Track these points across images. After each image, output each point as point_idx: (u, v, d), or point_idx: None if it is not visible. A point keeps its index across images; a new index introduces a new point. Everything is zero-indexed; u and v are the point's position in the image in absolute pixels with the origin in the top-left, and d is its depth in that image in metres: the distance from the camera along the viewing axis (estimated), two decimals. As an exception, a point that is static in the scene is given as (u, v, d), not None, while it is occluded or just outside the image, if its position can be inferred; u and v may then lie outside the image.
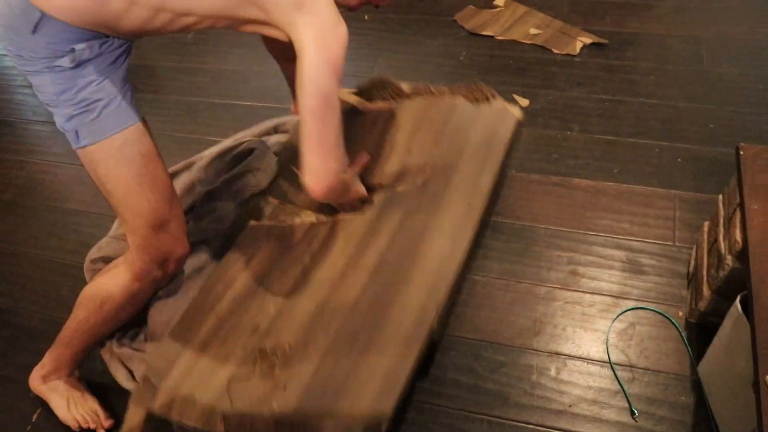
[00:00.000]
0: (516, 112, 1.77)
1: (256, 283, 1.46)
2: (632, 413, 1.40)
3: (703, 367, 1.42)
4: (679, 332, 1.53)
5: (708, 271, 1.45)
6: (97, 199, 2.03)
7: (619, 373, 1.47)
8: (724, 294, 1.38)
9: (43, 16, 1.11)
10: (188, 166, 1.93)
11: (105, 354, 1.55)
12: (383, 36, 2.70)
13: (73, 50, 1.16)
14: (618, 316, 1.58)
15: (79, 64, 1.18)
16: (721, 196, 1.51)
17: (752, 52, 2.37)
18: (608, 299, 1.62)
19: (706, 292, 1.43)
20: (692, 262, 1.62)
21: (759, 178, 1.31)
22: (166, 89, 2.55)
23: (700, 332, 1.51)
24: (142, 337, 1.55)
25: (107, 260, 1.64)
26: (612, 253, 1.72)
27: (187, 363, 1.33)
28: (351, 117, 1.79)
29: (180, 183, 1.83)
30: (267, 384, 1.26)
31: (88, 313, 1.39)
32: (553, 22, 2.63)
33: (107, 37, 1.20)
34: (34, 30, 1.13)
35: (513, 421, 1.42)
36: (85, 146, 1.24)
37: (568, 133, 2.11)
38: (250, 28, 1.26)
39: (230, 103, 2.38)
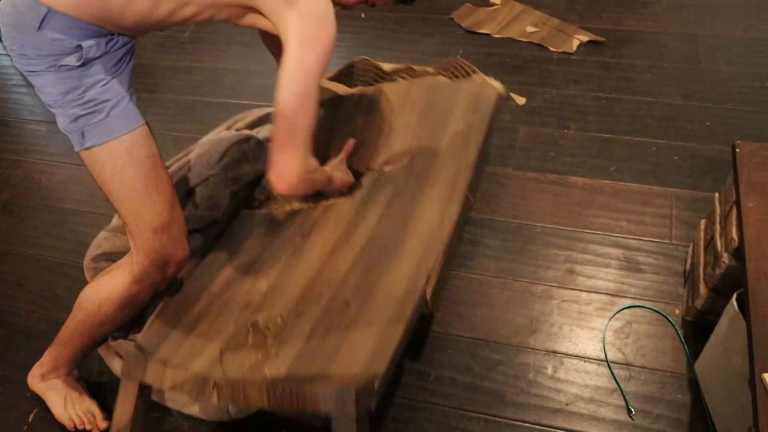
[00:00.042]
0: (497, 86, 1.78)
1: (248, 264, 1.48)
2: (629, 411, 1.40)
3: (699, 365, 1.42)
4: (676, 330, 1.53)
5: (704, 269, 1.46)
6: (93, 199, 2.03)
7: (615, 372, 1.47)
8: (720, 292, 1.38)
9: (50, 11, 1.11)
10: (187, 154, 1.93)
11: (101, 349, 1.55)
12: (380, 34, 2.69)
13: (80, 47, 1.16)
14: (615, 314, 1.58)
15: (85, 63, 1.18)
16: (717, 194, 1.51)
17: (749, 49, 2.37)
18: (605, 297, 1.62)
19: (702, 290, 1.44)
20: (689, 260, 1.62)
21: (755, 175, 1.31)
22: (163, 88, 2.54)
23: (696, 330, 1.51)
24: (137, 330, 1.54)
25: (107, 257, 1.64)
26: (609, 252, 1.72)
27: (178, 337, 1.33)
28: (334, 103, 1.81)
29: (175, 172, 1.83)
30: (259, 353, 1.26)
31: (86, 314, 1.38)
32: (550, 20, 2.63)
33: (112, 35, 1.20)
34: (40, 26, 1.13)
35: (510, 419, 1.42)
36: (90, 147, 1.23)
37: (565, 131, 2.11)
38: (248, 20, 1.26)
39: (227, 101, 2.38)
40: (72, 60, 1.16)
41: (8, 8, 1.13)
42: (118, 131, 1.23)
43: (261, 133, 1.93)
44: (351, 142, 1.67)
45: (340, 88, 1.85)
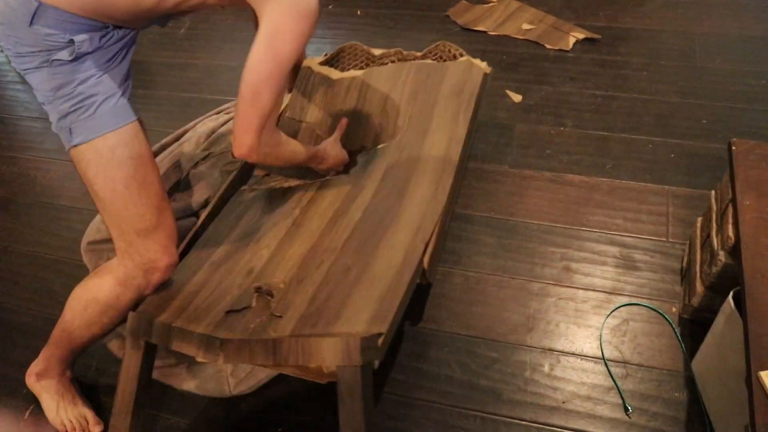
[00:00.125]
0: (483, 66, 1.81)
1: (249, 235, 1.50)
2: (626, 409, 1.40)
3: (696, 363, 1.43)
4: (673, 328, 1.53)
5: (701, 266, 1.46)
6: (89, 196, 2.00)
7: (612, 370, 1.47)
8: (717, 290, 1.38)
9: (40, 6, 1.10)
10: (178, 138, 1.94)
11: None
12: (376, 32, 2.69)
13: (72, 42, 1.15)
14: (611, 312, 1.58)
15: (78, 57, 1.17)
16: (713, 192, 1.51)
17: (745, 47, 2.38)
18: (602, 295, 1.62)
19: (699, 287, 1.44)
20: (685, 258, 1.62)
21: (751, 173, 1.32)
22: (158, 85, 2.54)
23: (693, 328, 1.52)
24: None
25: (107, 242, 1.64)
26: (605, 249, 1.72)
27: (182, 301, 1.34)
28: (326, 86, 1.85)
29: (167, 159, 1.84)
30: (263, 316, 1.29)
31: (73, 315, 1.37)
32: (546, 18, 2.63)
33: (106, 28, 1.19)
34: (32, 21, 1.12)
35: (506, 417, 1.42)
36: (77, 145, 1.22)
37: (561, 128, 2.11)
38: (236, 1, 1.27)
39: (223, 98, 2.36)
40: (64, 55, 1.16)
41: (1, 6, 1.13)
42: (103, 129, 1.21)
43: None
44: (344, 121, 1.70)
45: (332, 72, 1.89)
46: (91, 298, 1.34)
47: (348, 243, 1.42)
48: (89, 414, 1.47)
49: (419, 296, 1.39)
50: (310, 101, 1.83)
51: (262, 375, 1.48)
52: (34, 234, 1.98)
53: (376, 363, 1.18)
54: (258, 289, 1.35)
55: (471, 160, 2.00)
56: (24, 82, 1.23)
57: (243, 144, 1.26)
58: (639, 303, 1.59)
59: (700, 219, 1.58)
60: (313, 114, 1.80)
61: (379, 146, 1.68)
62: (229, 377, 1.45)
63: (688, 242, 1.64)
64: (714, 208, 1.47)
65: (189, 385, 1.46)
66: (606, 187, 1.89)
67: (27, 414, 1.52)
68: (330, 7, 2.87)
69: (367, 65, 1.95)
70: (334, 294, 1.30)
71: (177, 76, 2.57)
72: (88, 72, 1.19)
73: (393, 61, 1.93)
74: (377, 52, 1.96)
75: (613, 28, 2.54)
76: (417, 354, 1.55)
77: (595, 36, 2.49)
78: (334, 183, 1.61)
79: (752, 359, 1.03)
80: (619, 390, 1.44)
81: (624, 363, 1.48)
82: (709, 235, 1.44)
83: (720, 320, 1.28)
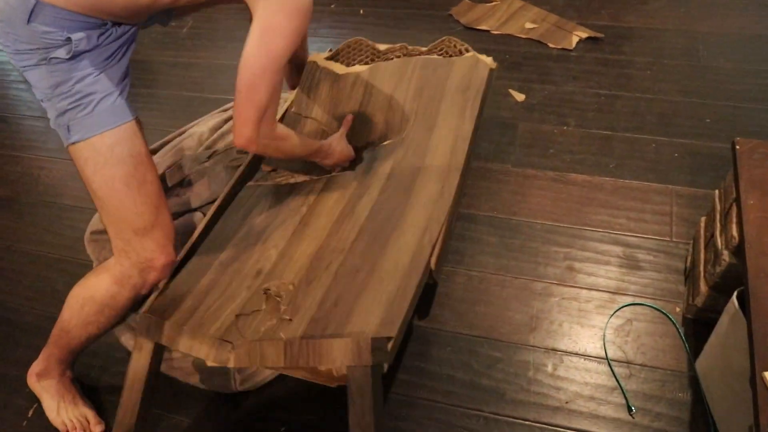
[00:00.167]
0: (488, 62, 1.81)
1: (257, 234, 1.50)
2: (629, 410, 1.40)
3: (700, 363, 1.42)
4: (676, 328, 1.53)
5: (705, 266, 1.45)
6: (91, 195, 2.02)
7: (616, 370, 1.47)
8: (721, 290, 1.38)
9: (37, 3, 1.10)
10: (180, 134, 1.95)
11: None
12: (378, 31, 2.68)
13: (69, 40, 1.15)
14: (615, 312, 1.58)
15: (75, 56, 1.17)
16: (717, 191, 1.51)
17: (749, 46, 2.37)
18: (605, 295, 1.61)
19: (703, 287, 1.43)
20: (689, 258, 1.62)
21: (755, 172, 1.31)
22: (161, 84, 2.54)
23: (697, 328, 1.51)
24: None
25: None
26: (609, 249, 1.72)
27: (192, 302, 1.34)
28: (331, 81, 1.85)
29: (169, 154, 1.84)
30: (273, 318, 1.29)
31: (71, 314, 1.36)
32: (549, 17, 2.63)
33: (105, 25, 1.19)
34: (29, 19, 1.12)
35: (509, 417, 1.42)
36: (75, 142, 1.22)
37: (564, 128, 2.11)
38: None
39: (225, 98, 2.36)
40: (62, 53, 1.16)
41: (0, 3, 1.13)
42: (101, 127, 1.21)
43: None
44: (349, 117, 1.70)
45: (337, 67, 1.89)
46: (88, 296, 1.34)
47: (356, 243, 1.42)
48: (90, 414, 1.47)
49: (424, 295, 1.39)
50: (316, 96, 1.83)
51: (268, 372, 1.48)
52: (37, 233, 1.98)
53: (385, 366, 1.19)
54: (267, 291, 1.35)
55: (474, 160, 1.99)
56: (27, 81, 1.23)
57: (242, 135, 1.27)
58: (642, 303, 1.59)
59: (703, 218, 1.57)
60: (318, 109, 1.80)
61: (385, 143, 1.68)
62: (235, 373, 1.45)
63: (691, 242, 1.64)
64: (718, 207, 1.47)
65: (194, 378, 1.46)
66: (609, 187, 1.89)
67: (30, 413, 1.52)
68: (332, 6, 2.87)
69: (373, 60, 1.95)
70: (343, 297, 1.30)
71: (179, 76, 2.57)
72: (86, 70, 1.19)
73: (398, 56, 1.93)
74: (382, 47, 1.96)
75: (616, 27, 2.54)
76: (420, 353, 1.54)
77: (598, 35, 2.49)
78: (341, 180, 1.61)
79: (756, 359, 1.03)
80: (622, 390, 1.43)
81: (627, 363, 1.48)
82: (713, 235, 1.43)
83: (724, 320, 1.28)
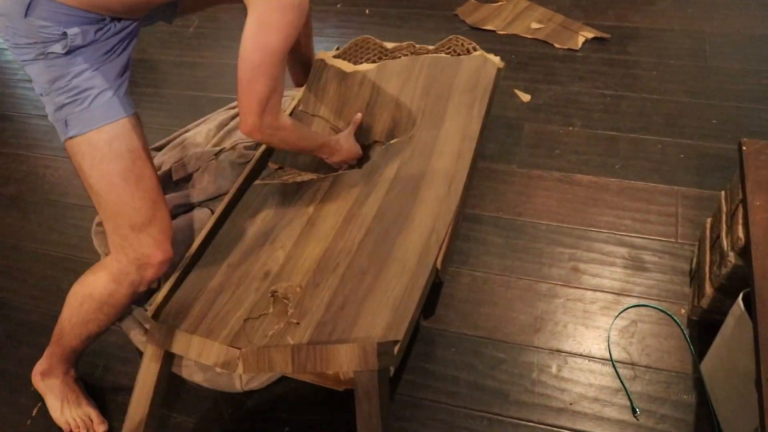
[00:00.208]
0: (496, 61, 1.81)
1: (264, 235, 1.51)
2: (634, 411, 1.40)
3: (705, 365, 1.42)
4: (681, 330, 1.52)
5: (710, 268, 1.45)
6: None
7: (620, 371, 1.46)
8: (726, 291, 1.37)
9: None
10: (187, 131, 1.95)
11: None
12: (384, 30, 2.68)
13: (65, 35, 1.15)
14: (620, 313, 1.57)
15: (71, 51, 1.17)
16: (723, 193, 1.50)
17: (755, 46, 2.36)
18: (610, 296, 1.61)
19: (708, 289, 1.43)
20: (694, 259, 1.61)
21: (762, 173, 1.30)
22: (166, 83, 2.54)
23: (702, 330, 1.50)
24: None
25: None
26: (614, 250, 1.71)
27: (201, 307, 1.36)
28: (339, 80, 1.86)
29: (176, 150, 1.84)
30: (281, 322, 1.30)
31: (71, 312, 1.37)
32: (555, 17, 2.62)
33: (103, 21, 1.19)
34: (27, 13, 1.13)
35: (513, 418, 1.42)
36: (73, 137, 1.22)
37: (570, 128, 2.10)
38: None
39: (231, 97, 2.36)
40: (58, 48, 1.16)
41: None
42: (98, 121, 1.21)
43: None
44: (358, 116, 1.71)
45: (345, 66, 1.89)
46: (87, 294, 1.34)
47: (363, 244, 1.42)
48: (93, 413, 1.47)
49: (428, 295, 1.39)
50: (324, 94, 1.83)
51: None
52: (42, 231, 1.99)
53: (392, 369, 1.19)
54: (274, 293, 1.35)
55: (479, 160, 1.99)
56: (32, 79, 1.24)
57: (246, 123, 1.29)
58: (648, 304, 1.58)
59: (709, 220, 1.57)
60: (326, 107, 1.80)
61: (392, 141, 1.68)
62: (241, 373, 1.45)
63: (697, 243, 1.63)
64: (724, 208, 1.46)
65: (199, 377, 1.46)
66: (615, 188, 1.88)
67: (35, 412, 1.53)
68: (338, 5, 2.87)
69: (380, 59, 1.95)
70: (350, 299, 1.31)
71: (185, 75, 2.57)
72: (83, 65, 1.19)
73: (405, 55, 1.93)
74: (390, 45, 1.96)
75: (622, 28, 2.53)
76: (424, 354, 1.54)
77: (605, 35, 2.48)
78: (348, 179, 1.61)
79: (762, 361, 1.02)
80: (627, 392, 1.43)
81: (632, 365, 1.48)
82: (718, 236, 1.43)
83: (729, 322, 1.27)
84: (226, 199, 1.59)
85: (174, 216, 1.65)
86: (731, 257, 1.31)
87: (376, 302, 1.29)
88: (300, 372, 1.26)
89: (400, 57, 1.92)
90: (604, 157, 1.98)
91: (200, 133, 1.88)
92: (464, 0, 2.79)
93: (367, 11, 2.81)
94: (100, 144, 1.22)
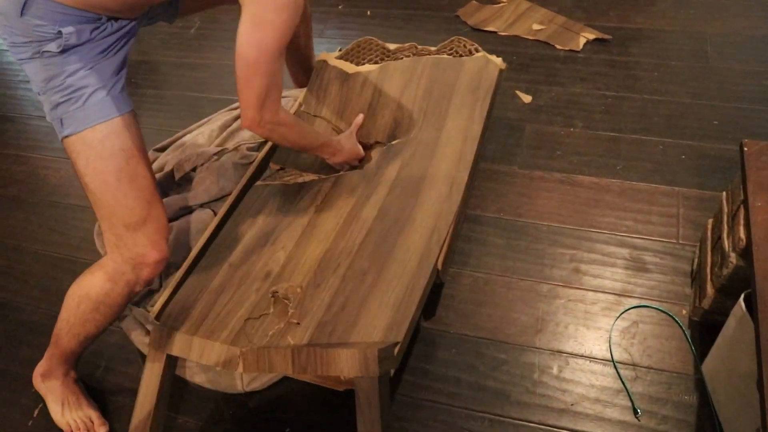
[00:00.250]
0: (498, 62, 1.82)
1: (266, 235, 1.51)
2: (635, 412, 1.39)
3: (706, 365, 1.41)
4: (683, 331, 1.52)
5: (712, 269, 1.45)
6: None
7: (622, 372, 1.46)
8: (728, 292, 1.37)
9: None
10: (189, 132, 1.96)
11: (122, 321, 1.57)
12: (385, 32, 2.68)
13: (60, 33, 1.15)
14: (621, 314, 1.57)
15: (66, 50, 1.18)
16: (724, 193, 1.50)
17: (757, 47, 2.36)
18: (611, 297, 1.61)
19: (709, 290, 1.43)
20: (696, 260, 1.61)
21: (763, 174, 1.30)
22: (167, 85, 2.54)
23: (703, 331, 1.50)
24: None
25: None
26: (615, 251, 1.71)
27: (202, 308, 1.36)
28: (341, 80, 1.87)
29: (178, 151, 1.85)
30: (282, 322, 1.30)
31: (68, 312, 1.36)
32: (556, 18, 2.62)
33: (99, 20, 1.19)
34: (23, 12, 1.13)
35: (514, 419, 1.42)
36: (68, 135, 1.22)
37: (571, 129, 2.10)
38: None
39: (232, 98, 2.37)
40: (53, 47, 1.16)
41: None
42: (92, 120, 1.21)
43: None
44: (360, 116, 1.72)
45: (347, 66, 1.90)
46: (84, 294, 1.34)
47: (363, 245, 1.42)
48: (94, 415, 1.47)
49: (429, 296, 1.39)
50: (326, 95, 1.83)
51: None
52: (43, 232, 1.99)
53: (392, 370, 1.19)
54: (275, 294, 1.35)
55: (481, 161, 1.99)
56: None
57: (246, 117, 1.30)
58: (649, 305, 1.58)
59: (710, 221, 1.57)
60: (328, 108, 1.81)
61: (393, 142, 1.68)
62: (242, 373, 1.45)
63: (698, 244, 1.63)
64: (725, 209, 1.46)
65: (200, 378, 1.47)
66: (616, 189, 1.88)
67: (36, 413, 1.53)
68: (340, 7, 2.87)
69: (382, 60, 1.95)
70: (351, 300, 1.31)
71: (186, 76, 2.57)
72: (78, 64, 1.20)
73: (408, 56, 1.93)
74: (392, 46, 1.97)
75: (623, 29, 2.53)
76: (424, 355, 1.54)
77: (606, 36, 2.48)
78: (349, 179, 1.61)
79: (764, 362, 1.02)
80: (628, 392, 1.43)
81: (633, 365, 1.47)
82: (720, 237, 1.42)
83: (731, 323, 1.27)
84: (229, 200, 1.59)
85: (177, 217, 1.66)
86: (733, 258, 1.31)
87: (376, 303, 1.29)
88: (300, 373, 1.26)
89: (402, 58, 1.92)
90: (606, 158, 1.98)
91: (203, 134, 1.88)
92: (465, 1, 2.79)
93: (368, 12, 2.81)
94: (94, 143, 1.22)
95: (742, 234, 1.28)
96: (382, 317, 1.26)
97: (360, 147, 1.65)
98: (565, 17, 2.61)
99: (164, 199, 1.69)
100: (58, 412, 1.47)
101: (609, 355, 1.50)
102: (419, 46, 1.94)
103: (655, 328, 1.54)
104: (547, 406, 1.43)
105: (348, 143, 1.61)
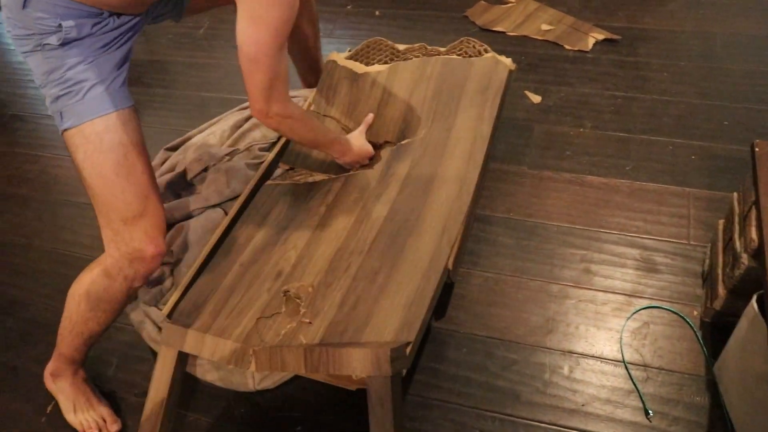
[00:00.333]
0: (507, 62, 1.82)
1: (277, 235, 1.51)
2: (646, 413, 1.39)
3: (718, 366, 1.41)
4: (694, 332, 1.52)
5: (723, 269, 1.45)
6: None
7: (633, 373, 1.46)
8: (739, 293, 1.37)
9: None
10: (201, 132, 1.96)
11: (133, 314, 1.57)
12: (394, 32, 2.69)
13: (60, 27, 1.16)
14: (632, 314, 1.57)
15: (65, 43, 1.18)
16: (736, 194, 1.50)
17: (766, 47, 2.35)
18: (622, 298, 1.61)
19: (721, 291, 1.43)
20: (707, 261, 1.61)
21: (776, 176, 1.30)
22: (177, 84, 2.55)
23: (715, 332, 1.50)
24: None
25: None
26: (625, 251, 1.71)
27: (214, 307, 1.36)
28: (351, 80, 1.87)
29: (190, 150, 1.85)
30: (293, 322, 1.31)
31: (70, 310, 1.37)
32: (565, 18, 2.62)
33: (101, 15, 1.20)
34: (24, 4, 1.14)
35: (525, 419, 1.42)
36: (67, 129, 1.23)
37: (581, 129, 2.10)
38: None
39: (242, 98, 2.37)
40: (53, 40, 1.17)
41: None
42: (91, 114, 1.22)
43: None
44: (369, 116, 1.73)
45: (357, 67, 1.90)
46: (84, 292, 1.34)
47: (374, 245, 1.43)
48: (106, 412, 1.48)
49: (440, 296, 1.39)
50: (335, 95, 1.84)
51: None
52: (54, 231, 2.00)
53: (404, 370, 1.19)
54: (286, 293, 1.36)
55: (490, 161, 1.99)
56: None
57: (254, 109, 1.31)
58: (660, 306, 1.58)
59: (721, 221, 1.56)
60: (338, 108, 1.81)
61: (403, 142, 1.69)
62: (254, 372, 1.46)
63: (709, 245, 1.63)
64: (736, 210, 1.46)
65: (212, 376, 1.47)
66: (626, 189, 1.88)
67: (49, 409, 1.54)
68: (349, 7, 2.87)
69: (392, 60, 1.96)
70: (362, 300, 1.32)
71: (196, 76, 2.58)
72: (78, 58, 1.20)
73: (417, 56, 1.93)
74: (401, 47, 1.97)
75: (632, 29, 2.53)
76: (435, 354, 1.54)
77: (615, 37, 2.48)
78: (359, 179, 1.61)
79: (777, 364, 1.02)
80: (639, 393, 1.43)
81: (644, 366, 1.47)
82: (731, 238, 1.42)
83: (743, 324, 1.27)
84: (239, 200, 1.59)
85: (188, 217, 1.66)
86: (744, 259, 1.31)
87: (388, 303, 1.30)
88: (312, 372, 1.26)
89: (411, 58, 1.92)
90: (615, 158, 1.98)
91: (214, 134, 1.89)
92: (474, 1, 2.79)
93: (376, 13, 2.82)
94: (92, 136, 1.22)
95: (753, 235, 1.28)
96: (394, 317, 1.27)
97: (369, 146, 1.65)
98: (574, 17, 2.61)
99: (175, 201, 1.69)
100: (70, 412, 1.48)
101: (620, 355, 1.50)
102: (429, 47, 1.94)
103: (666, 328, 1.54)
104: (558, 406, 1.43)
105: (357, 142, 1.62)
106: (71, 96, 1.21)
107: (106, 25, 1.22)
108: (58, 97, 1.22)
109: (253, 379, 1.46)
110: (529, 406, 1.44)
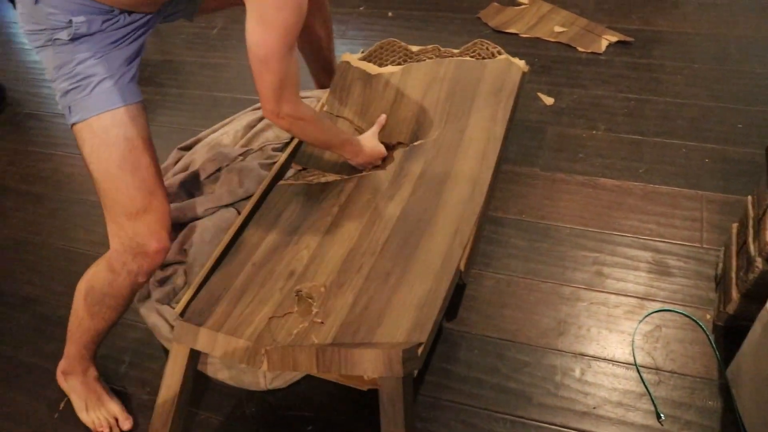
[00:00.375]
0: (521, 64, 1.82)
1: (289, 234, 1.51)
2: (658, 417, 1.39)
3: (731, 370, 1.41)
4: (707, 335, 1.51)
5: (737, 273, 1.44)
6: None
7: (645, 376, 1.46)
8: (753, 297, 1.36)
9: None
10: (214, 131, 1.97)
11: (144, 309, 1.58)
12: (406, 33, 2.69)
13: (71, 22, 1.17)
14: (644, 317, 1.56)
15: (75, 38, 1.19)
16: (750, 197, 1.49)
17: (781, 51, 2.34)
18: (634, 301, 1.60)
19: (734, 294, 1.42)
20: (720, 265, 1.60)
21: (791, 180, 1.30)
22: (190, 84, 2.56)
23: (728, 335, 1.49)
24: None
25: None
26: (638, 254, 1.71)
27: (226, 305, 1.36)
28: (365, 81, 1.88)
29: (204, 149, 1.86)
30: (306, 322, 1.31)
31: (77, 306, 1.38)
32: (578, 20, 2.61)
33: (111, 12, 1.21)
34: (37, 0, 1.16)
35: (536, 421, 1.42)
36: (75, 123, 1.24)
37: (594, 132, 2.09)
38: None
39: (255, 98, 2.37)
40: (64, 35, 1.18)
41: None
42: (98, 108, 1.23)
43: None
44: (382, 117, 1.73)
45: (370, 68, 1.91)
46: (89, 287, 1.35)
47: (387, 245, 1.43)
48: (117, 410, 1.49)
49: (452, 297, 1.39)
50: (348, 96, 1.84)
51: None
52: (68, 229, 2.01)
53: (415, 371, 1.19)
54: (299, 293, 1.36)
55: (502, 163, 1.99)
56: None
57: (265, 109, 1.31)
58: (672, 309, 1.57)
59: (735, 225, 1.56)
60: (351, 109, 1.82)
61: (416, 143, 1.69)
62: (265, 371, 1.46)
63: (722, 248, 1.62)
64: (751, 213, 1.45)
65: (223, 375, 1.48)
66: (639, 192, 1.87)
67: (62, 406, 1.55)
68: (361, 8, 2.88)
69: (405, 61, 1.96)
70: (375, 300, 1.32)
71: (210, 76, 2.59)
72: (88, 53, 1.21)
73: (430, 58, 1.94)
74: (415, 48, 1.97)
75: (646, 31, 2.52)
76: (446, 355, 1.54)
77: (628, 39, 2.47)
78: (372, 180, 1.62)
79: (792, 368, 1.02)
80: (651, 397, 1.42)
81: (656, 369, 1.47)
82: (745, 242, 1.42)
83: (757, 328, 1.26)
84: (252, 199, 1.60)
85: (201, 217, 1.67)
86: (759, 263, 1.31)
87: (400, 303, 1.30)
88: (324, 372, 1.26)
89: (424, 60, 1.92)
90: (628, 161, 1.98)
91: (228, 134, 1.90)
92: (487, 3, 2.79)
93: (389, 14, 2.82)
94: (99, 131, 1.24)
95: (768, 239, 1.27)
96: (406, 318, 1.27)
97: (382, 146, 1.66)
98: (587, 19, 2.61)
99: (188, 200, 1.70)
100: (82, 410, 1.49)
101: (632, 358, 1.49)
102: (442, 49, 1.94)
103: (679, 332, 1.53)
104: (569, 408, 1.43)
105: (369, 143, 1.62)
106: (80, 90, 1.22)
107: (117, 22, 1.23)
108: (67, 92, 1.23)
109: (264, 378, 1.46)
110: (541, 408, 1.43)
